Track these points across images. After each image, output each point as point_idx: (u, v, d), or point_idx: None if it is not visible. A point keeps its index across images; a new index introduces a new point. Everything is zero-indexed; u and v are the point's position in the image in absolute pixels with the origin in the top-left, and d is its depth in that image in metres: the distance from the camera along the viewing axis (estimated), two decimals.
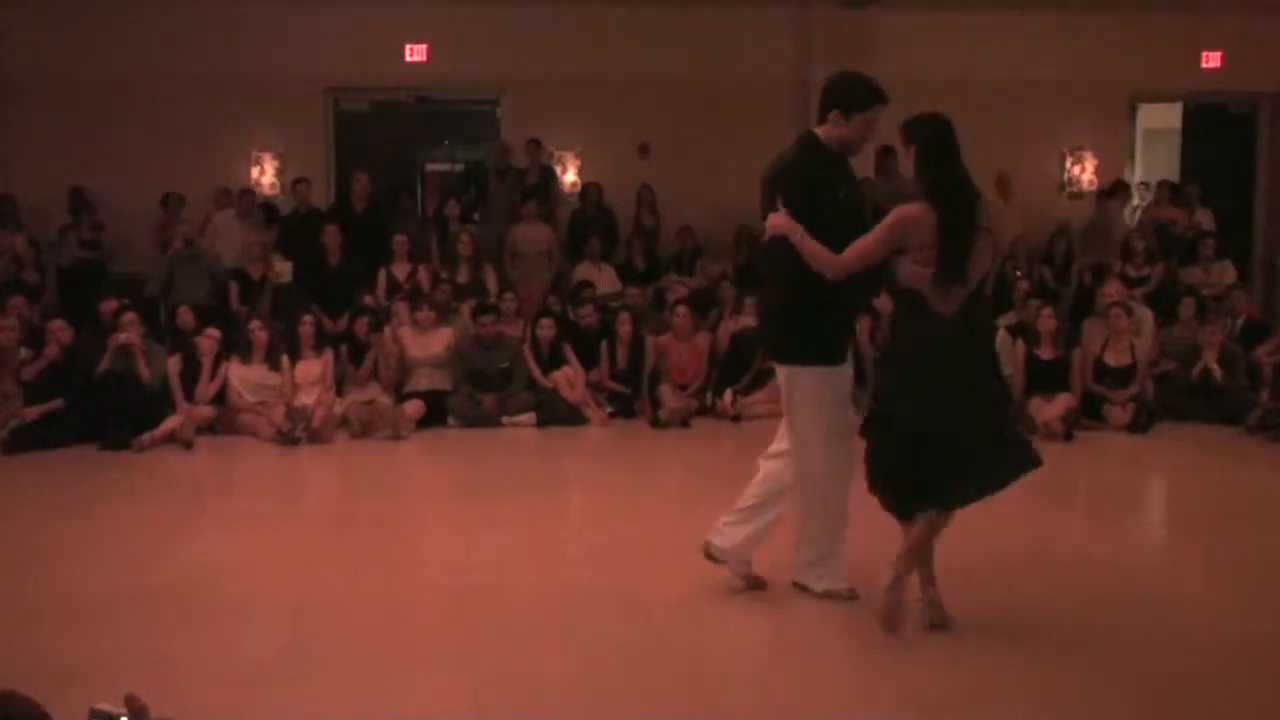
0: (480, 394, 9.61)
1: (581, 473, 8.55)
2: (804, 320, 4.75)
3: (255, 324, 9.48)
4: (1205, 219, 12.80)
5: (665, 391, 9.81)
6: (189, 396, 9.14)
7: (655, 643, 4.57)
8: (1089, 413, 9.33)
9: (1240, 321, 10.51)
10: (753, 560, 5.02)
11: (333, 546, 6.04)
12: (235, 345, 9.46)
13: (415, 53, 12.66)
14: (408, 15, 12.55)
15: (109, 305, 9.71)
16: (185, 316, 9.84)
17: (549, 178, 12.48)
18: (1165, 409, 9.63)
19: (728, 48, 12.69)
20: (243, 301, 10.82)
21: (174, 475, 8.07)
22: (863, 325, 10.52)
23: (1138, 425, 9.17)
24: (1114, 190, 12.70)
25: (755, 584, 5.03)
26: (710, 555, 4.98)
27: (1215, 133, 14.19)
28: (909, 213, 4.43)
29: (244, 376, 9.31)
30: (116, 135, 12.13)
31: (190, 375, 9.23)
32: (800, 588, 4.95)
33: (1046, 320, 9.55)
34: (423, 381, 9.72)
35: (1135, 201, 14.00)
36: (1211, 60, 13.48)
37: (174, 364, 9.28)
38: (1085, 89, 13.21)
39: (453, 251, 11.09)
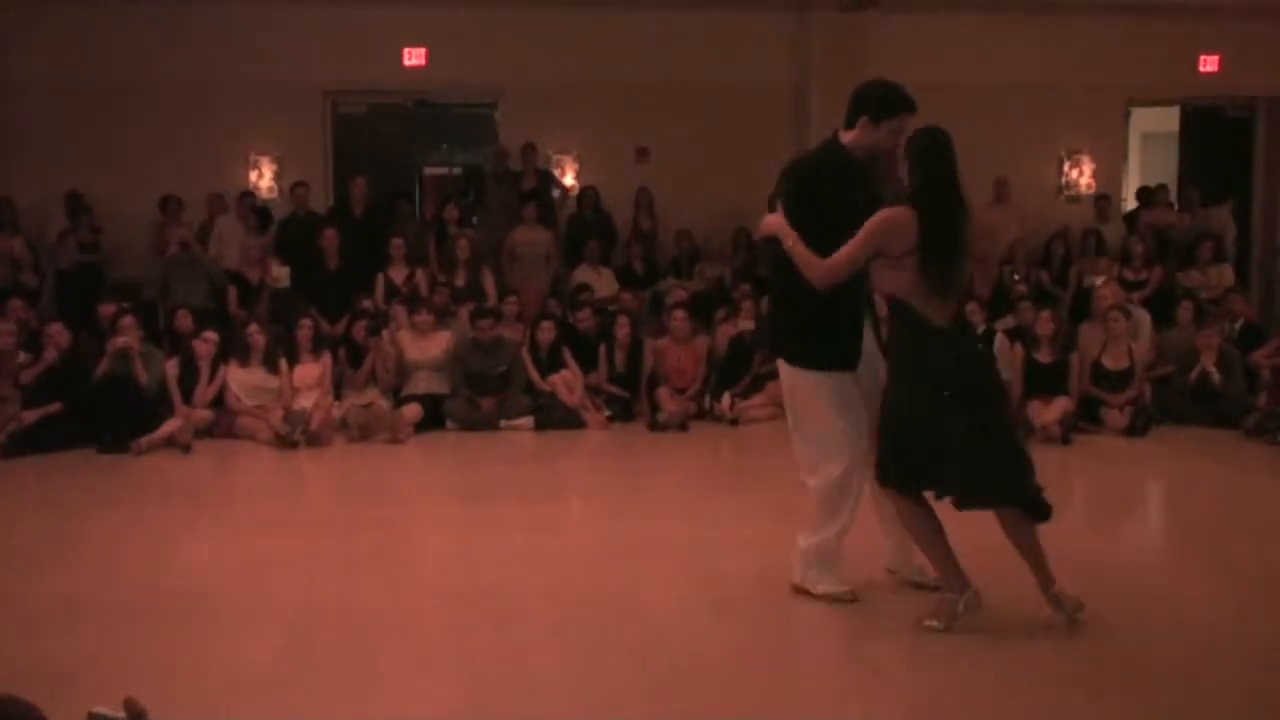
0: (478, 397, 9.61)
1: (579, 476, 8.55)
2: (817, 323, 4.74)
3: (253, 327, 9.48)
4: (1221, 218, 12.80)
5: (663, 395, 9.82)
6: (187, 400, 9.15)
7: (654, 645, 4.56)
8: (1087, 416, 9.34)
9: (1238, 325, 10.51)
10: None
11: (331, 550, 6.03)
12: (233, 349, 9.46)
13: (413, 56, 12.67)
14: (406, 19, 12.56)
15: (107, 309, 9.71)
16: (184, 320, 9.85)
17: (547, 181, 12.48)
18: (1163, 412, 9.64)
19: (725, 51, 12.70)
20: (241, 305, 10.82)
21: (172, 479, 8.07)
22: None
23: (1135, 429, 9.18)
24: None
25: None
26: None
27: (1213, 136, 14.21)
28: (892, 215, 4.43)
29: (242, 380, 9.31)
30: (115, 139, 12.13)
31: (188, 379, 9.24)
32: (800, 591, 4.94)
33: (1045, 324, 9.56)
34: (421, 385, 9.72)
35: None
36: (1209, 64, 13.51)
37: (172, 367, 9.29)
38: (1083, 93, 13.24)
39: (451, 255, 11.09)
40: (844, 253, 4.45)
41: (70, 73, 12.11)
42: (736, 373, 10.09)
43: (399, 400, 9.62)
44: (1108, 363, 9.53)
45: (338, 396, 9.51)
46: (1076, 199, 13.54)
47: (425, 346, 9.86)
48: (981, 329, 9.88)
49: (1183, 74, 13.46)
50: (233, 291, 10.97)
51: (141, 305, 10.48)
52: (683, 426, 9.57)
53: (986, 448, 4.48)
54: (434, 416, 9.53)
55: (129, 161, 12.05)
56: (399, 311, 10.22)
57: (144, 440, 8.55)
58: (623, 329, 10.09)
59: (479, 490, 7.71)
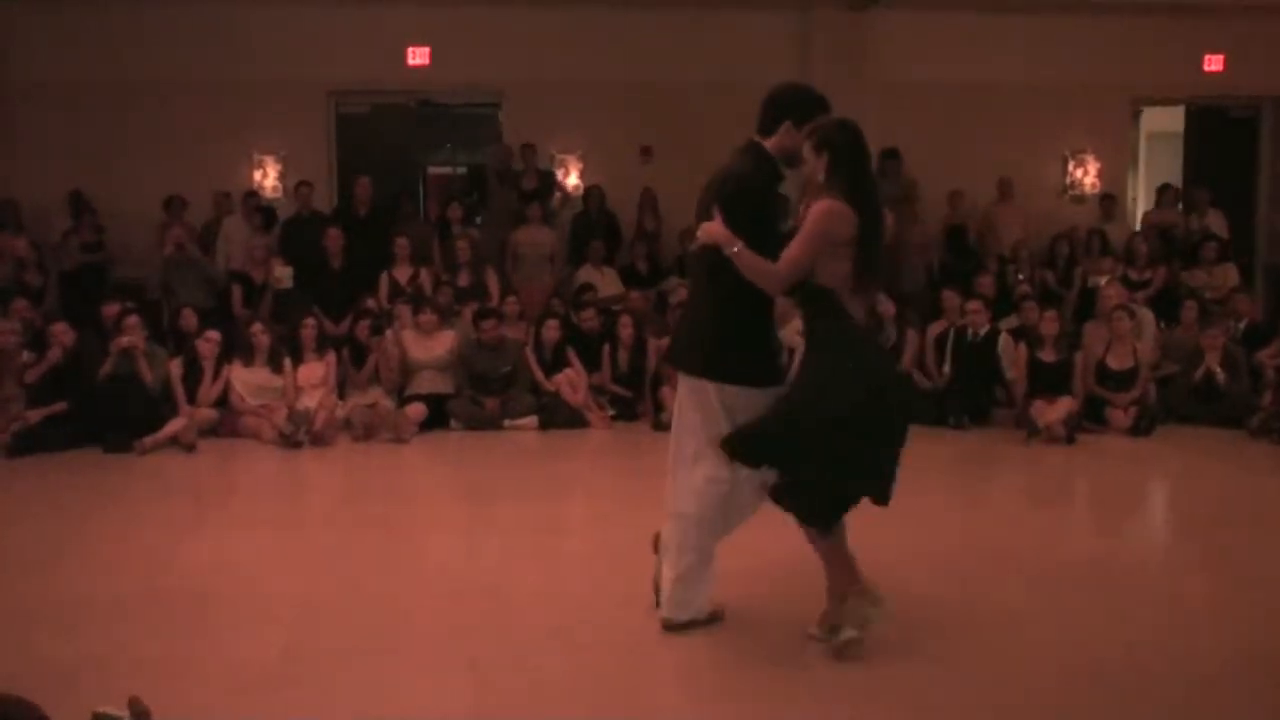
0: (482, 397, 9.61)
1: (583, 476, 8.55)
2: (752, 336, 4.52)
3: (257, 327, 9.49)
4: (1216, 222, 12.80)
5: (667, 395, 9.79)
6: (191, 399, 9.15)
7: (656, 645, 4.56)
8: (1091, 416, 9.33)
9: (1243, 324, 10.50)
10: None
11: (334, 549, 6.04)
12: (237, 348, 9.47)
13: (417, 56, 12.68)
14: (410, 19, 12.57)
15: (111, 308, 9.72)
16: (188, 319, 9.85)
17: (548, 182, 12.48)
18: (1167, 412, 9.64)
19: (729, 51, 12.70)
20: (245, 304, 10.83)
21: (176, 478, 8.08)
22: None
23: (1140, 428, 9.17)
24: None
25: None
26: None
27: (1217, 136, 14.20)
28: (833, 205, 4.31)
29: (246, 379, 9.32)
30: (119, 138, 12.16)
31: (192, 378, 9.25)
32: (672, 626, 4.66)
33: (1049, 323, 9.55)
34: (425, 384, 9.73)
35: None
36: (1213, 63, 13.50)
37: (176, 367, 9.30)
38: (1087, 92, 13.23)
39: (454, 255, 11.10)
40: (795, 251, 4.29)
41: (74, 72, 12.13)
42: None
43: (403, 400, 9.62)
44: (1112, 362, 9.52)
45: (341, 396, 9.52)
46: (1081, 199, 13.53)
47: (429, 346, 9.86)
48: (985, 329, 9.89)
49: (1187, 74, 13.45)
50: (237, 291, 10.98)
51: (145, 305, 10.48)
52: None
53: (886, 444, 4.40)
54: (438, 416, 9.53)
55: (133, 161, 12.07)
56: (403, 311, 10.22)
57: (148, 440, 8.56)
58: (626, 329, 10.09)
59: (482, 490, 7.72)
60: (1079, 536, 6.56)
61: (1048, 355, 9.47)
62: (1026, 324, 9.99)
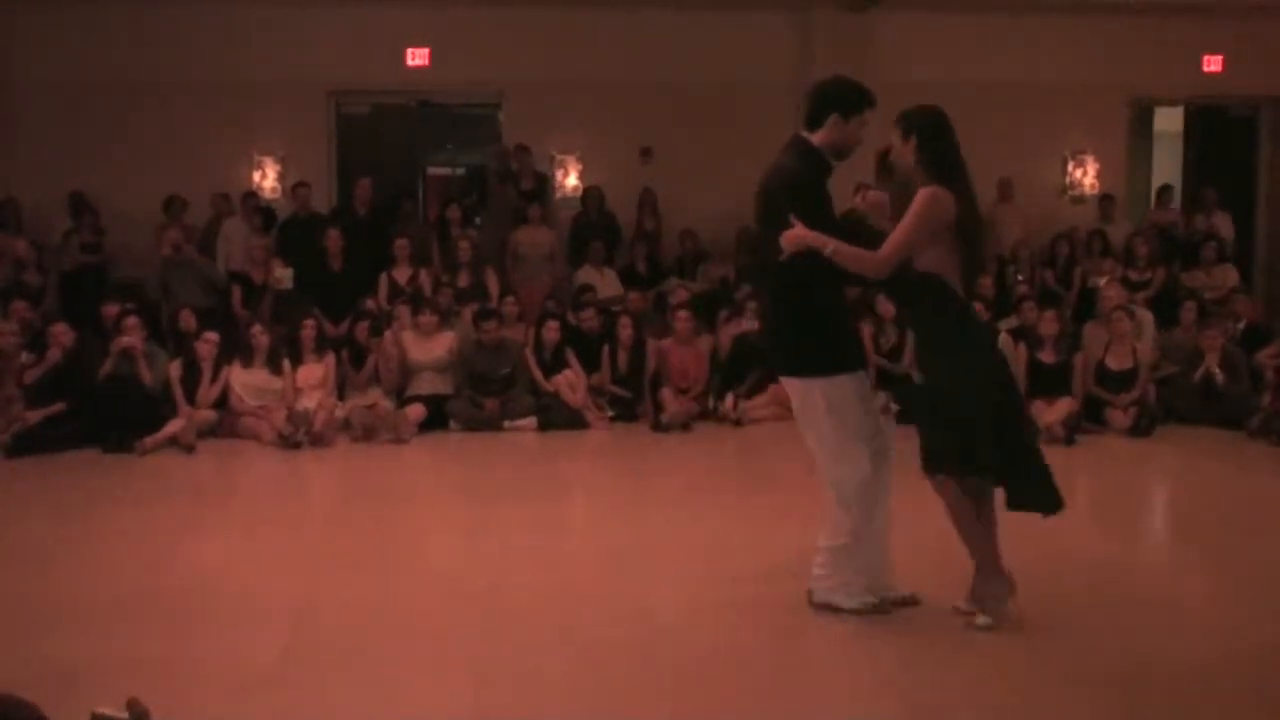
0: (482, 398, 9.61)
1: (582, 477, 8.55)
2: (823, 329, 4.66)
3: (257, 328, 9.49)
4: (1223, 223, 12.80)
5: (667, 395, 9.81)
6: (191, 400, 9.15)
7: (656, 646, 4.56)
8: (1091, 416, 9.33)
9: (1242, 325, 10.49)
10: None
11: (334, 550, 6.03)
12: (237, 349, 9.47)
13: (417, 57, 12.68)
14: (409, 19, 12.57)
15: (111, 309, 9.72)
16: (187, 319, 9.85)
17: (544, 183, 12.47)
18: (1167, 413, 9.63)
19: (729, 51, 12.70)
20: (244, 305, 10.83)
21: (175, 479, 8.07)
22: (867, 329, 10.54)
23: (1139, 429, 9.16)
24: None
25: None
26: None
27: (1216, 136, 14.20)
28: (936, 192, 4.42)
29: (245, 380, 9.31)
30: (118, 139, 12.16)
31: (192, 379, 9.24)
32: (827, 607, 4.80)
33: (1048, 324, 9.54)
34: (424, 385, 9.73)
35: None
36: (1213, 64, 13.50)
37: (176, 368, 9.29)
38: (1087, 92, 13.23)
39: (454, 256, 11.10)
40: (901, 236, 4.41)
41: (74, 73, 12.14)
42: (740, 373, 10.09)
43: (402, 401, 9.62)
44: (1112, 363, 9.52)
45: (341, 397, 9.52)
46: (1080, 199, 13.53)
47: (429, 347, 9.86)
48: None
49: (1187, 74, 13.45)
50: (236, 292, 10.98)
51: (145, 305, 10.48)
52: (686, 427, 9.57)
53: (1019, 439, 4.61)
54: (437, 417, 9.53)
55: (133, 162, 12.08)
56: (403, 312, 10.22)
57: (147, 440, 8.56)
58: (626, 329, 10.09)
59: (482, 490, 7.72)
60: (1078, 537, 6.55)
61: (1047, 356, 9.46)
62: (1026, 324, 9.99)
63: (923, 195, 4.44)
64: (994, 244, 12.39)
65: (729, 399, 9.84)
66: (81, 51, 12.15)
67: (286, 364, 9.43)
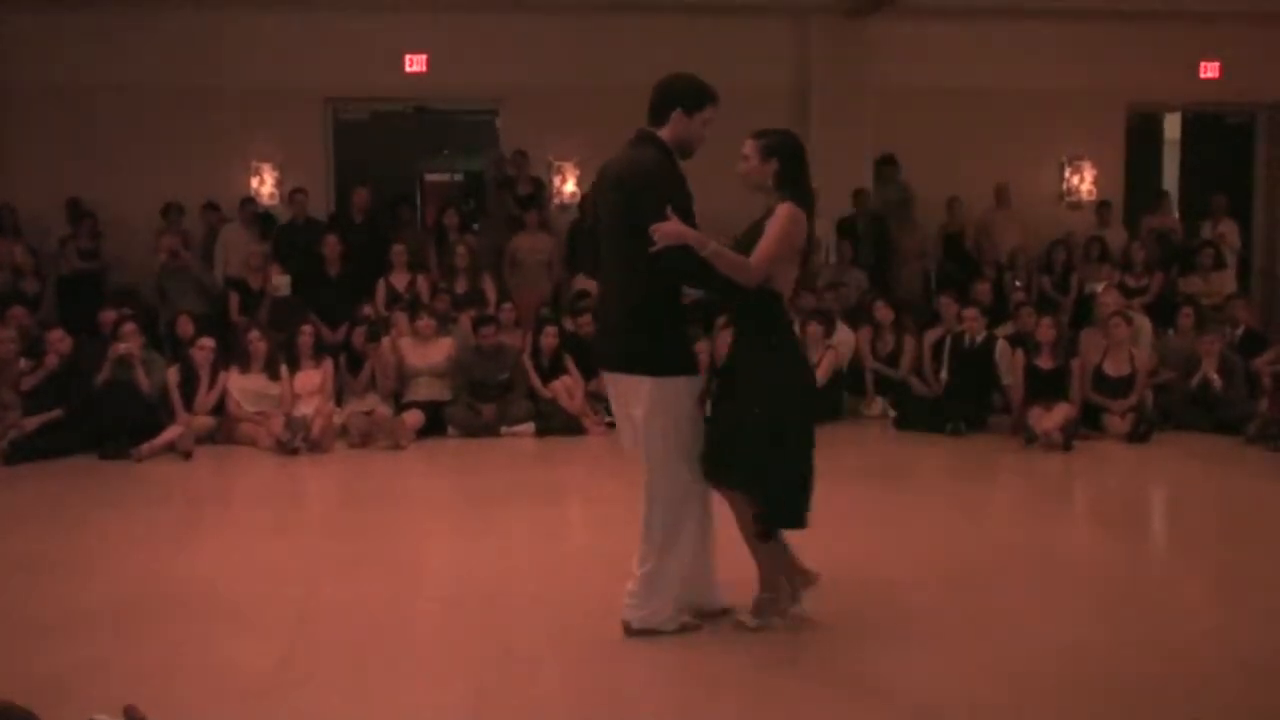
0: (479, 404, 9.61)
1: (580, 482, 8.54)
2: (671, 327, 4.60)
3: (254, 334, 9.48)
4: (1229, 231, 12.81)
5: None
6: (188, 406, 9.14)
7: (654, 652, 4.56)
8: (1088, 422, 9.33)
9: (1239, 331, 10.50)
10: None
11: (332, 556, 6.03)
12: (234, 355, 9.46)
13: (415, 63, 12.69)
14: (407, 26, 12.58)
15: (108, 315, 9.72)
16: (185, 325, 9.85)
17: (542, 189, 12.47)
18: (1164, 418, 9.64)
19: (727, 58, 12.65)
20: (242, 311, 10.83)
21: (173, 485, 8.07)
22: (864, 334, 10.55)
23: (1137, 435, 9.16)
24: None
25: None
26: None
27: (1213, 142, 14.22)
28: (797, 212, 4.55)
29: (243, 387, 9.31)
30: (116, 145, 12.17)
31: (190, 385, 9.23)
32: (647, 632, 4.63)
33: (1046, 330, 9.55)
34: (422, 391, 9.72)
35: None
36: (1210, 70, 13.53)
37: (173, 374, 9.29)
38: (1084, 99, 13.26)
39: (451, 261, 11.10)
40: (771, 249, 4.48)
41: (73, 79, 12.14)
42: None
43: (400, 406, 9.62)
44: (1109, 369, 9.52)
45: (339, 403, 9.52)
46: (1077, 205, 13.55)
47: (426, 353, 9.85)
48: (983, 335, 9.89)
49: (1184, 81, 13.48)
50: (234, 298, 10.97)
51: (143, 312, 10.48)
52: None
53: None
54: (435, 423, 9.53)
55: (131, 168, 12.09)
56: (400, 318, 10.22)
57: (145, 447, 8.56)
58: None
59: (480, 496, 7.71)
60: (1075, 542, 6.56)
61: (1045, 362, 9.47)
62: (1023, 330, 9.99)
63: (789, 211, 4.53)
64: (991, 250, 12.41)
65: None
66: (79, 58, 12.16)
67: (284, 370, 9.42)
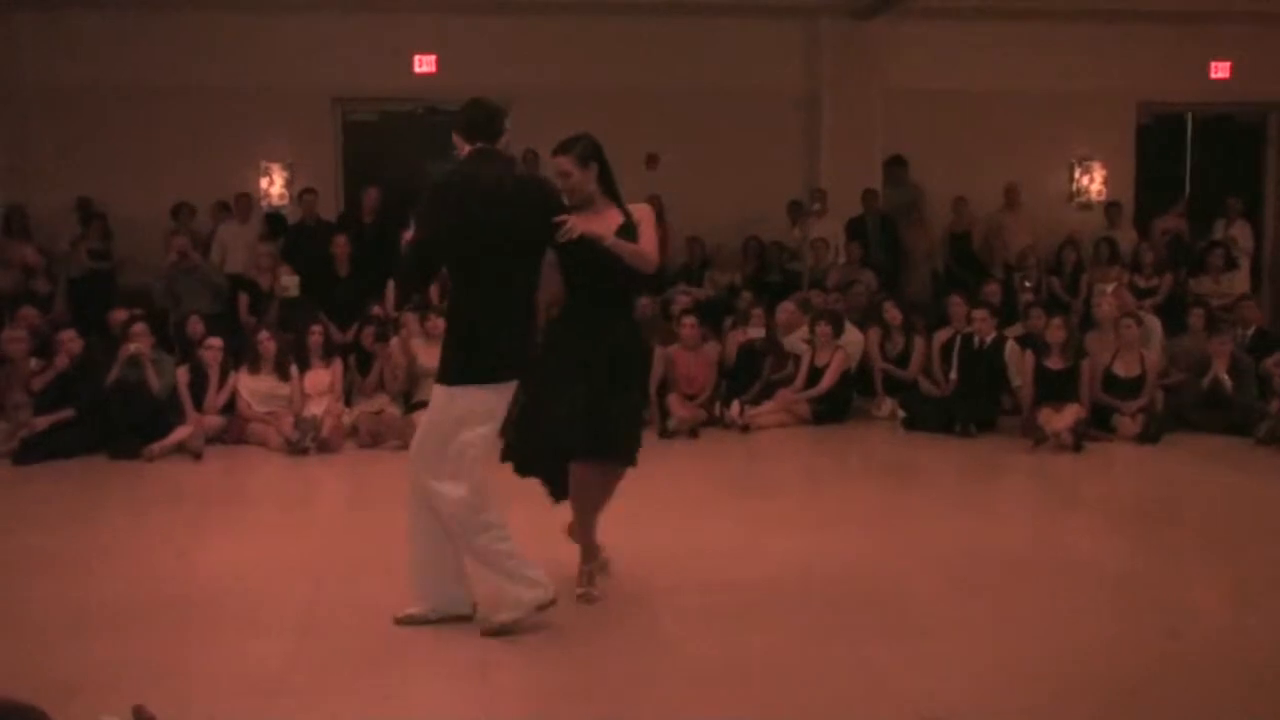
0: None
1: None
2: (501, 331, 4.92)
3: (264, 334, 9.50)
4: (1242, 233, 12.77)
5: (674, 402, 9.80)
6: (198, 406, 9.16)
7: (664, 651, 4.56)
8: (1098, 423, 9.30)
9: (1250, 331, 10.47)
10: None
11: (341, 556, 6.04)
12: (244, 355, 9.48)
13: (424, 64, 12.71)
14: (416, 26, 12.60)
15: (119, 315, 9.74)
16: (195, 325, 9.87)
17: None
18: (1175, 419, 9.60)
19: (736, 59, 12.72)
20: (251, 311, 10.84)
21: (183, 485, 8.09)
22: (874, 335, 10.53)
23: (1147, 436, 9.14)
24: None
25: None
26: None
27: (1223, 143, 14.18)
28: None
29: (253, 387, 9.32)
30: (127, 146, 12.20)
31: (200, 385, 9.25)
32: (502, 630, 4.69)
33: (1055, 331, 9.52)
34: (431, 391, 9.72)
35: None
36: (1220, 70, 13.49)
37: (183, 374, 9.30)
38: (1093, 99, 13.23)
39: None
40: (653, 241, 5.02)
41: (82, 80, 12.17)
42: (747, 380, 10.10)
43: (410, 407, 9.62)
44: (1119, 370, 9.50)
45: (348, 403, 9.53)
46: (1087, 206, 13.52)
47: (436, 353, 9.83)
48: (992, 336, 9.88)
49: (1194, 80, 13.44)
50: (243, 298, 10.99)
51: (153, 312, 10.49)
52: (693, 433, 9.56)
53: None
54: None
55: (141, 168, 12.12)
56: (410, 318, 10.22)
57: (155, 447, 8.57)
58: None
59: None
60: (1085, 543, 6.55)
61: (1054, 362, 9.44)
62: (1033, 331, 9.97)
63: (650, 212, 5.12)
64: (1001, 251, 12.39)
65: (735, 406, 9.84)
66: (89, 58, 12.19)
67: (294, 370, 9.43)
